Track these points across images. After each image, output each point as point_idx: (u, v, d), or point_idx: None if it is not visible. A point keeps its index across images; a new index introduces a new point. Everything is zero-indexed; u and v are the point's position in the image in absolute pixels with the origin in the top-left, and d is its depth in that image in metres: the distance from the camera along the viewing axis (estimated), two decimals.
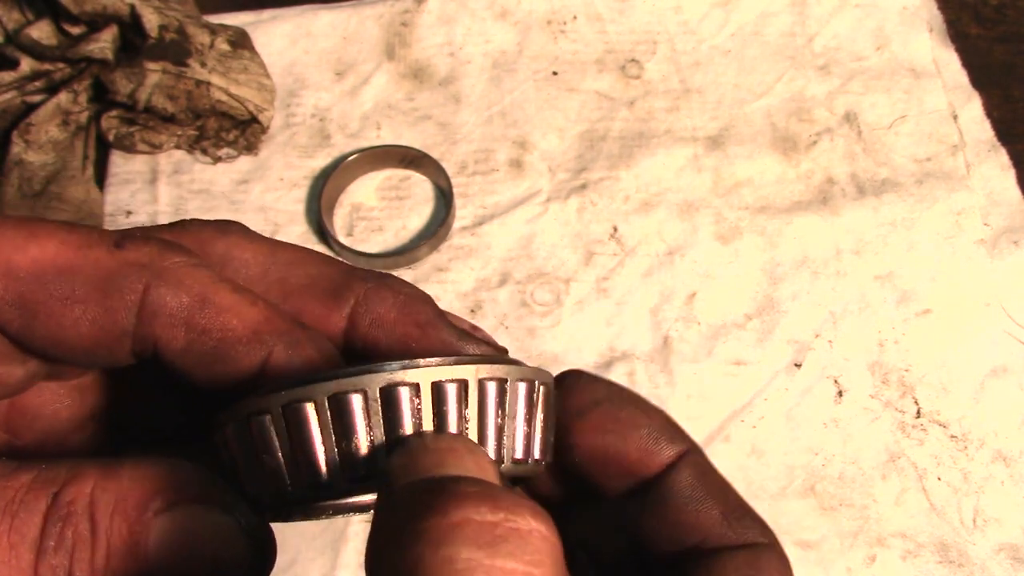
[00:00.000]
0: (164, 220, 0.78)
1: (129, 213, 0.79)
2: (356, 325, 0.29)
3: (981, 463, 0.69)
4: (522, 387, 0.26)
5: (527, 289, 0.76)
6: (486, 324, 0.74)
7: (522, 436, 0.26)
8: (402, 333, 0.29)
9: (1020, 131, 0.83)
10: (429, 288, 0.76)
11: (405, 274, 0.76)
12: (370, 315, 0.29)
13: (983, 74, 0.85)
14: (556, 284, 0.76)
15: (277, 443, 0.25)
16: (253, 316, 0.27)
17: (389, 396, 0.24)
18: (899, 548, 0.66)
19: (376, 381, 0.24)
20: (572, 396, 0.29)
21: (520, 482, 0.29)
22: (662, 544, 0.28)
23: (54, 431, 0.31)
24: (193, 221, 0.30)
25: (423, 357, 0.25)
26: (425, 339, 0.29)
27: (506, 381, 0.25)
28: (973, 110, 0.83)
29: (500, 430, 0.25)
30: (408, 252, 0.76)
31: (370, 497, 0.26)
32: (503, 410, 0.25)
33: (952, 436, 0.70)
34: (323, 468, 0.24)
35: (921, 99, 0.84)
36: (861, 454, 0.69)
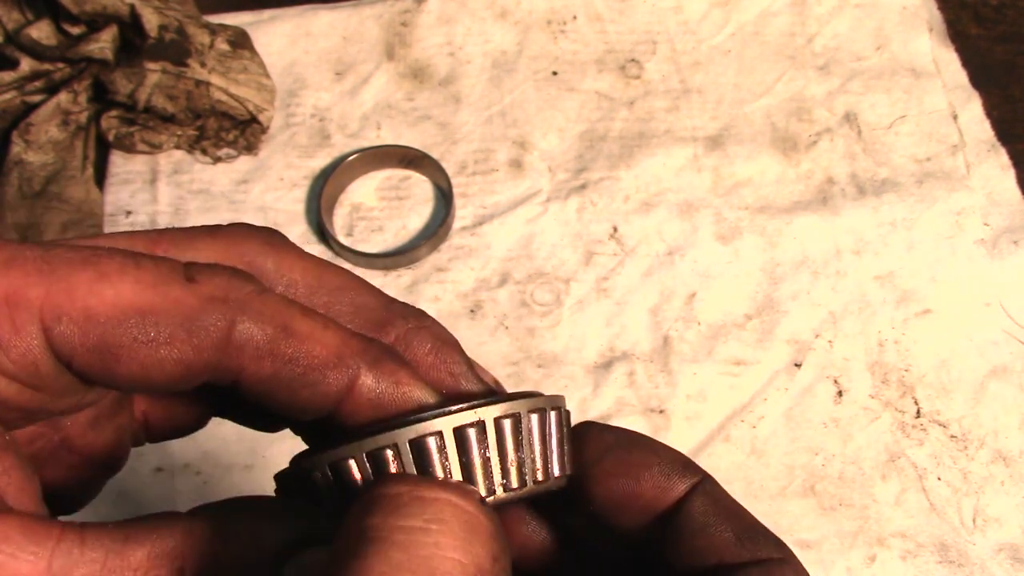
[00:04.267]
0: (164, 220, 0.78)
1: (129, 213, 0.79)
2: None
3: (981, 463, 0.69)
4: (535, 418, 0.29)
5: (527, 289, 0.76)
6: (486, 324, 0.74)
7: (540, 459, 0.29)
8: (435, 379, 0.30)
9: (1020, 131, 0.83)
10: (429, 288, 0.76)
11: (405, 274, 0.76)
12: (408, 354, 0.30)
13: (983, 74, 0.85)
14: (556, 284, 0.76)
15: (332, 495, 0.27)
16: (332, 340, 0.28)
17: (418, 447, 0.27)
18: (899, 548, 0.66)
19: (404, 435, 0.27)
20: (584, 447, 0.31)
21: (550, 498, 0.31)
22: (680, 569, 0.29)
23: (87, 422, 0.32)
24: (239, 229, 0.30)
25: (454, 403, 0.28)
26: (455, 388, 0.31)
27: (519, 416, 0.29)
28: (973, 110, 0.83)
29: (520, 459, 0.29)
30: (408, 252, 0.76)
31: None
32: (519, 441, 0.29)
33: (952, 436, 0.70)
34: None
35: (921, 99, 0.84)
36: (861, 454, 0.69)
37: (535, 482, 0.28)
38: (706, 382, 0.72)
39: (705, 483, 0.30)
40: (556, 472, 0.29)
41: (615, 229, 0.78)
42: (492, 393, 0.32)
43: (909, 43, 0.87)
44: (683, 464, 0.30)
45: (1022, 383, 0.72)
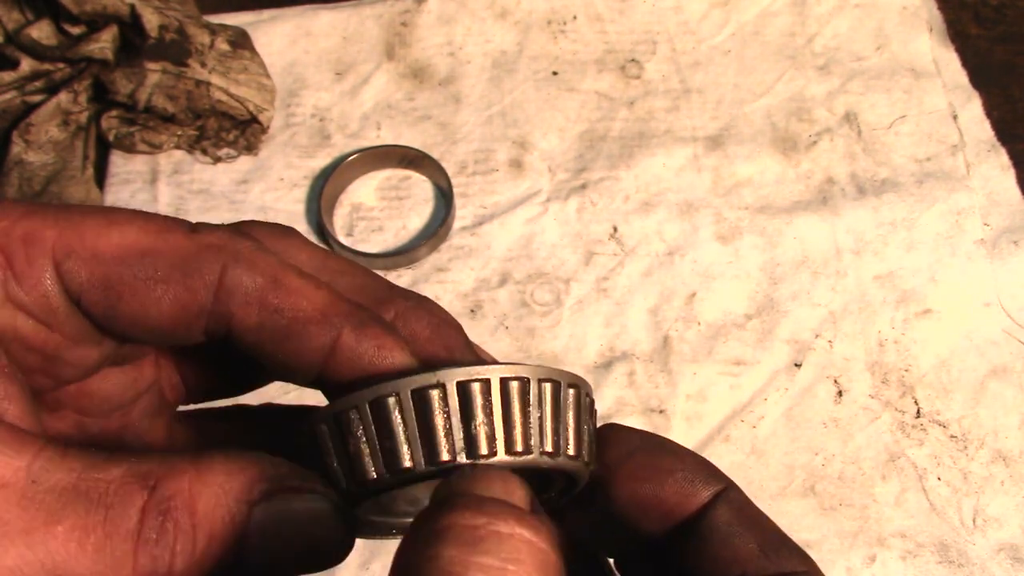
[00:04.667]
0: None
1: None
2: None
3: (981, 463, 0.69)
4: (571, 392, 0.28)
5: (527, 289, 0.76)
6: (486, 324, 0.74)
7: (574, 434, 0.28)
8: (431, 353, 0.30)
9: (1020, 131, 0.83)
10: (429, 288, 0.76)
11: (405, 274, 0.76)
12: (406, 330, 0.30)
13: (983, 74, 0.85)
14: (556, 284, 0.76)
15: (363, 434, 0.27)
16: (320, 298, 0.29)
17: (464, 391, 0.27)
18: (899, 548, 0.66)
19: (454, 376, 0.27)
20: (608, 448, 0.30)
21: (572, 487, 0.31)
22: None
23: (116, 410, 0.33)
24: (254, 222, 0.32)
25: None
26: (451, 363, 0.31)
27: (560, 384, 0.28)
28: (973, 110, 0.83)
29: (556, 425, 0.28)
30: (408, 252, 0.76)
31: None
32: (558, 408, 0.28)
33: (952, 436, 0.70)
34: (406, 453, 0.27)
35: (921, 99, 0.84)
36: (861, 454, 0.69)
37: (543, 453, 0.28)
38: (706, 382, 0.72)
39: (729, 491, 0.30)
40: (571, 451, 0.28)
41: (615, 229, 0.78)
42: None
43: (909, 43, 0.87)
44: (708, 471, 0.30)
45: (1022, 383, 0.72)
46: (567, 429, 0.28)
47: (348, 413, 0.27)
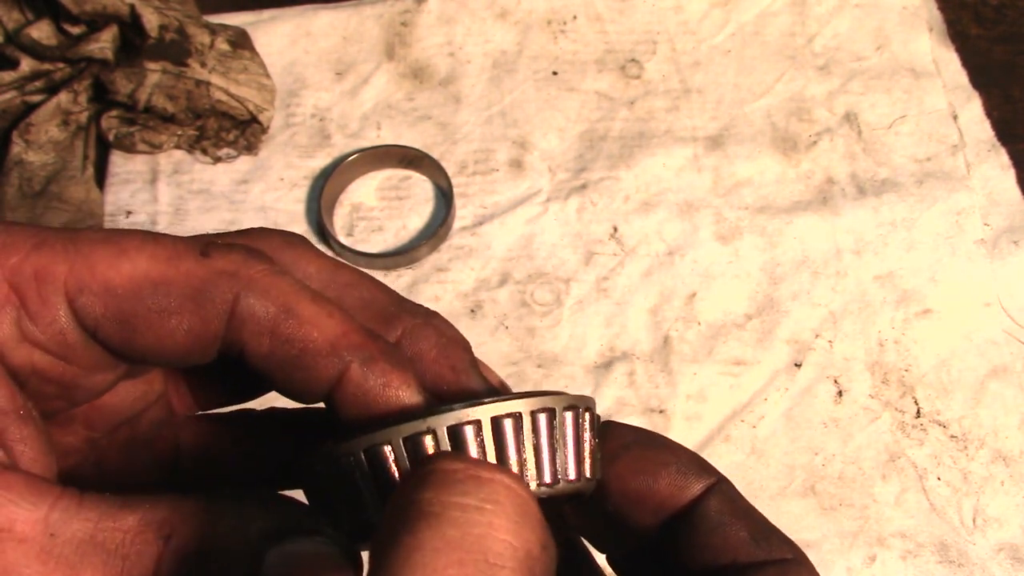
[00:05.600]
0: (164, 220, 0.78)
1: (129, 213, 0.79)
2: None
3: (981, 463, 0.69)
4: (569, 416, 0.29)
5: (527, 289, 0.76)
6: (486, 324, 0.74)
7: (573, 457, 0.29)
8: (436, 373, 0.31)
9: (1020, 131, 0.83)
10: (429, 288, 0.76)
11: (405, 274, 0.76)
12: (412, 349, 0.31)
13: (983, 74, 0.85)
14: (556, 284, 0.76)
15: (361, 480, 0.28)
16: (332, 329, 0.29)
17: (456, 434, 0.27)
18: (899, 548, 0.66)
19: (443, 421, 0.27)
20: (603, 444, 0.31)
21: (575, 500, 0.31)
22: (694, 568, 0.30)
23: (126, 423, 0.33)
24: (262, 229, 0.32)
25: (453, 400, 0.28)
26: (456, 384, 0.31)
27: (554, 411, 0.28)
28: (973, 110, 0.83)
29: (553, 455, 0.28)
30: (408, 252, 0.76)
31: None
32: (553, 437, 0.29)
33: (952, 436, 0.70)
34: None
35: (921, 99, 0.84)
36: (861, 454, 0.69)
37: (540, 485, 0.28)
38: (706, 382, 0.72)
39: (721, 484, 0.30)
40: (570, 475, 0.29)
41: (615, 229, 0.78)
42: (496, 392, 0.32)
43: (909, 43, 0.87)
44: (700, 465, 0.31)
45: (1022, 383, 0.72)
46: (565, 455, 0.29)
47: (346, 459, 0.28)
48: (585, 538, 0.34)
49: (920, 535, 0.67)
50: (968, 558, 0.66)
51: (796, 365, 0.72)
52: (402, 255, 0.76)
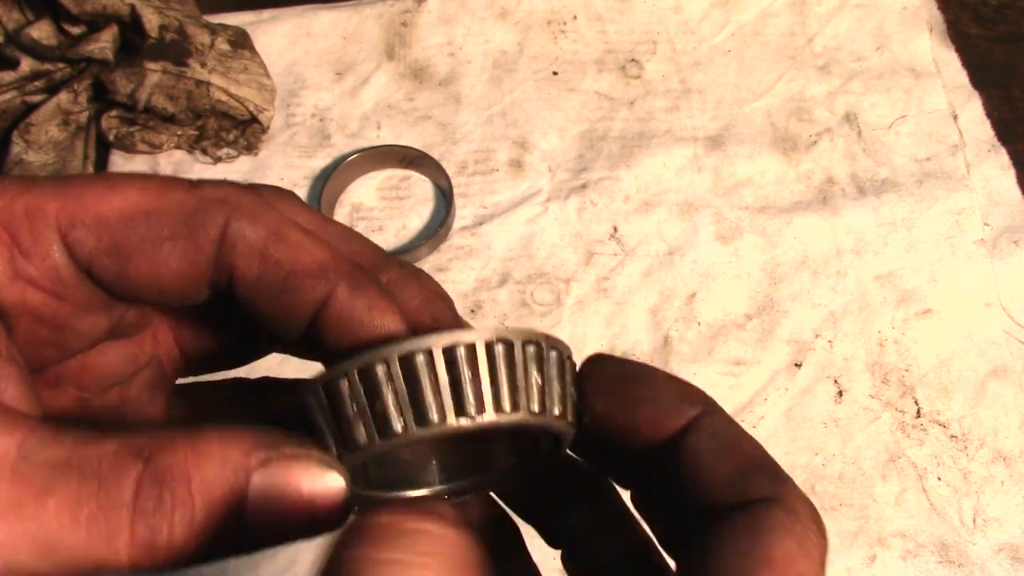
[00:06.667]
0: None
1: None
2: None
3: (981, 463, 0.69)
4: (554, 354, 0.29)
5: (527, 289, 0.76)
6: (486, 324, 0.74)
7: (558, 395, 0.29)
8: (416, 321, 0.31)
9: (1020, 131, 0.83)
10: None
11: None
12: (396, 298, 0.31)
13: (983, 74, 0.85)
14: (556, 284, 0.76)
15: (353, 401, 0.27)
16: (319, 254, 0.29)
17: (450, 354, 0.27)
18: (899, 548, 0.66)
19: (440, 341, 0.27)
20: (589, 377, 0.30)
21: (558, 448, 0.31)
22: (675, 516, 0.28)
23: (116, 385, 0.33)
24: (253, 184, 0.32)
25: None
26: (438, 329, 0.31)
27: (543, 346, 0.28)
28: (973, 110, 0.83)
29: (542, 388, 0.28)
30: (408, 252, 0.76)
31: (420, 492, 0.31)
32: (539, 368, 0.28)
33: (952, 436, 0.70)
34: (396, 417, 0.27)
35: (921, 99, 0.84)
36: (861, 454, 0.69)
37: (530, 412, 0.27)
38: (706, 382, 0.72)
39: (705, 416, 0.28)
40: (556, 410, 0.28)
41: (615, 229, 0.78)
42: None
43: (909, 43, 0.87)
44: (683, 395, 0.28)
45: (1022, 383, 0.72)
46: (552, 390, 0.28)
47: (337, 381, 0.27)
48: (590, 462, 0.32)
49: (920, 535, 0.67)
50: (968, 558, 0.66)
51: (796, 365, 0.73)
52: (402, 255, 0.76)
